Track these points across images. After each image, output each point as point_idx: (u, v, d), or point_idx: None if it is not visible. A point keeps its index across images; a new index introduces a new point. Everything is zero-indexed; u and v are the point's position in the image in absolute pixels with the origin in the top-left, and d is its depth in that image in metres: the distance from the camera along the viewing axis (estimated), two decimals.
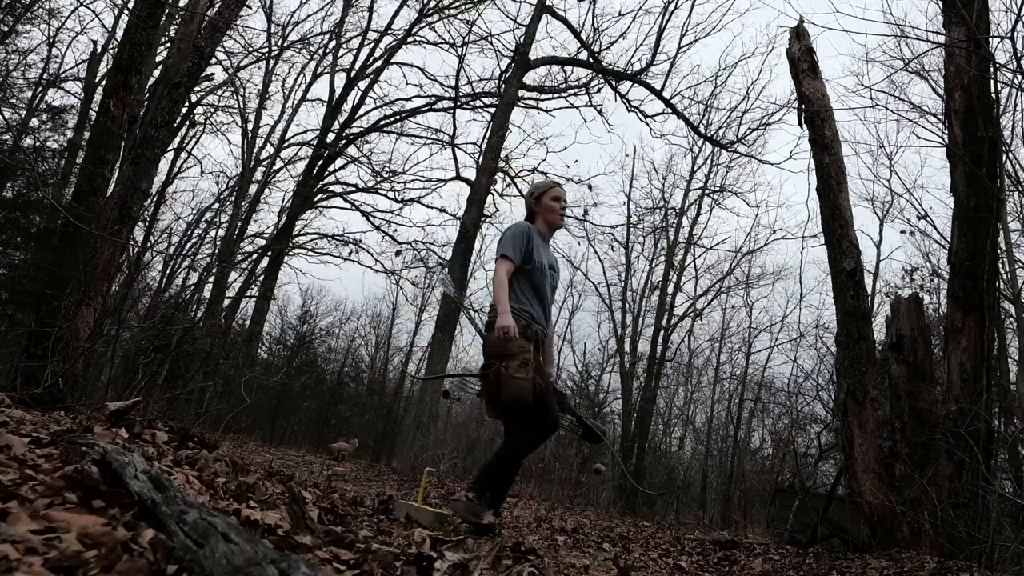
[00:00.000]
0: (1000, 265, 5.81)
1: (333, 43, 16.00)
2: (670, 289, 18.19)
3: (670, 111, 12.36)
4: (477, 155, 13.48)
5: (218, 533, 1.02)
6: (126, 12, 9.34)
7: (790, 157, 15.43)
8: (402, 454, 10.87)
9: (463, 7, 14.01)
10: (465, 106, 14.53)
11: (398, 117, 15.40)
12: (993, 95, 5.45)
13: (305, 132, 17.01)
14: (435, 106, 15.00)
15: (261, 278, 15.30)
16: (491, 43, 13.34)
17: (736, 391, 18.81)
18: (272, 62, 15.88)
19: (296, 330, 21.31)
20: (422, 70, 14.95)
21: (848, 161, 5.90)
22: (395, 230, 15.86)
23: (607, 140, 41.89)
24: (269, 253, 15.26)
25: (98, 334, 5.13)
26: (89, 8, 18.33)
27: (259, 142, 16.75)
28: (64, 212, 6.06)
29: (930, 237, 13.06)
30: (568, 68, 12.99)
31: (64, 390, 4.30)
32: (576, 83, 13.07)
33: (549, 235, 3.44)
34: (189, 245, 15.51)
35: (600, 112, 13.20)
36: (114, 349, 5.29)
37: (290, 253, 16.30)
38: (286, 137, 16.69)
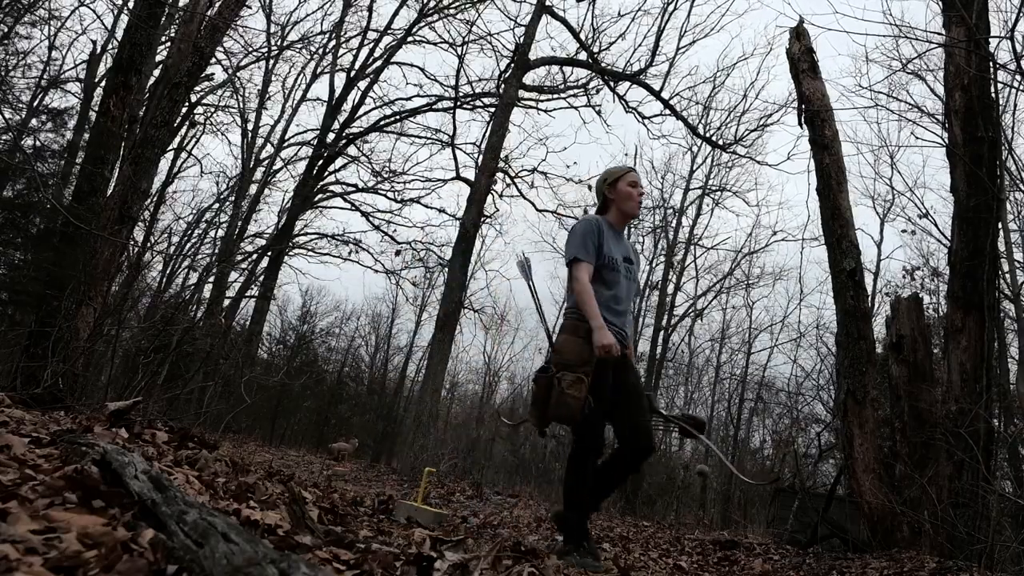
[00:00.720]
0: (1000, 265, 5.81)
1: (333, 43, 16.02)
2: (670, 289, 18.21)
3: (669, 112, 12.36)
4: (477, 155, 13.50)
5: (218, 533, 1.02)
6: (126, 12, 9.35)
7: (788, 158, 15.47)
8: (402, 454, 10.87)
9: (463, 7, 14.02)
10: (465, 106, 14.55)
11: (398, 117, 15.41)
12: (993, 95, 5.45)
13: (305, 132, 17.04)
14: (435, 106, 15.02)
15: (261, 278, 15.30)
16: (491, 43, 13.36)
17: (736, 391, 18.83)
18: (272, 62, 15.90)
19: (296, 330, 21.32)
20: (422, 70, 14.98)
21: (849, 159, 5.91)
22: (395, 230, 15.90)
23: (607, 140, 41.95)
24: (269, 253, 15.26)
25: (98, 334, 5.13)
26: (90, 8, 18.35)
27: (259, 142, 16.78)
28: (64, 212, 6.07)
29: (931, 236, 13.08)
30: (568, 68, 13.01)
31: (64, 390, 4.30)
32: (575, 83, 13.08)
33: (623, 225, 3.13)
34: (189, 245, 15.52)
35: (599, 113, 13.23)
36: (114, 349, 5.29)
37: (290, 253, 16.31)
38: (286, 137, 16.71)
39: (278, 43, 15.44)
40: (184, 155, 15.14)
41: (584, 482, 2.88)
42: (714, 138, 13.65)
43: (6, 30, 10.84)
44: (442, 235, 28.12)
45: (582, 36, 12.27)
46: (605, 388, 2.77)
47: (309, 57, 16.35)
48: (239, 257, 15.10)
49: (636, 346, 3.17)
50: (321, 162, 15.58)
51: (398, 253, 15.79)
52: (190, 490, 1.83)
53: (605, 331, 2.70)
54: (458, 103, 14.40)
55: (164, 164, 13.34)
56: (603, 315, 2.79)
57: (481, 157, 12.02)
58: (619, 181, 3.06)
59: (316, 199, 16.25)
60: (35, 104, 12.35)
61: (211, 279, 14.32)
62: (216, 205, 15.87)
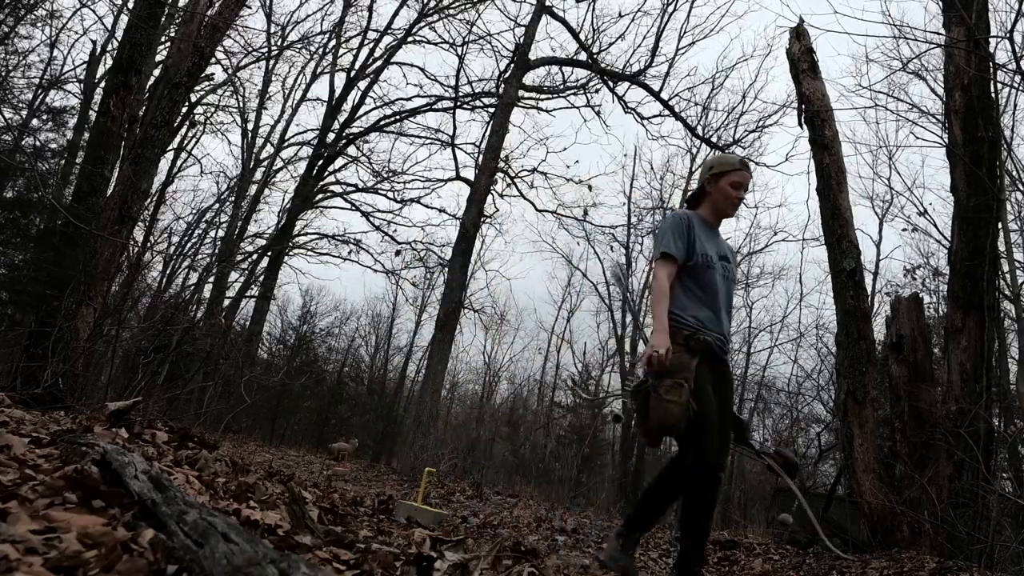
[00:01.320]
0: (1000, 265, 5.81)
1: (333, 43, 16.01)
2: None
3: (668, 112, 12.37)
4: (477, 155, 13.50)
5: (218, 533, 1.02)
6: (126, 12, 9.35)
7: (786, 159, 15.50)
8: (402, 454, 10.87)
9: (463, 7, 14.02)
10: (465, 106, 14.55)
11: (398, 117, 15.42)
12: (993, 95, 5.45)
13: (305, 132, 17.04)
14: (435, 106, 15.02)
15: (261, 278, 15.30)
16: (491, 43, 13.36)
17: (736, 391, 18.83)
18: (272, 62, 15.89)
19: (296, 330, 21.31)
20: (422, 70, 15.00)
21: (848, 160, 5.91)
22: (395, 230, 15.91)
23: (607, 140, 41.96)
24: (269, 253, 15.26)
25: (98, 334, 5.13)
26: (90, 8, 18.35)
27: (259, 142, 16.77)
28: (64, 212, 6.07)
29: (931, 236, 13.08)
30: (567, 69, 13.01)
31: (64, 390, 4.31)
32: (575, 83, 13.09)
33: (717, 222, 2.83)
34: (189, 245, 15.51)
35: (598, 114, 13.25)
36: (114, 349, 5.29)
37: (290, 253, 16.31)
38: (286, 137, 16.70)
39: (278, 43, 15.44)
40: (184, 155, 15.15)
41: (670, 497, 2.62)
42: (713, 139, 13.65)
43: (7, 30, 10.85)
44: (442, 235, 28.16)
45: (582, 36, 12.28)
46: (709, 391, 2.49)
47: (309, 57, 16.37)
48: (239, 257, 15.10)
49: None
50: (321, 162, 15.58)
51: (398, 253, 15.81)
52: (190, 490, 1.83)
53: (664, 336, 2.45)
54: (458, 103, 14.40)
55: (164, 164, 13.35)
56: (694, 315, 2.56)
57: (481, 157, 12.03)
58: (723, 177, 2.73)
59: (316, 199, 16.26)
60: (36, 104, 12.35)
61: (211, 279, 14.32)
62: (216, 205, 15.87)
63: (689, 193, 2.96)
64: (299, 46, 15.60)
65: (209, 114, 15.17)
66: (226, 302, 14.53)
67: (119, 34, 9.72)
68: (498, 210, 14.43)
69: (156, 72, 9.33)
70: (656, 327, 2.48)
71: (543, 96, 13.34)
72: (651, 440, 2.57)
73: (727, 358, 2.70)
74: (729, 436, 2.63)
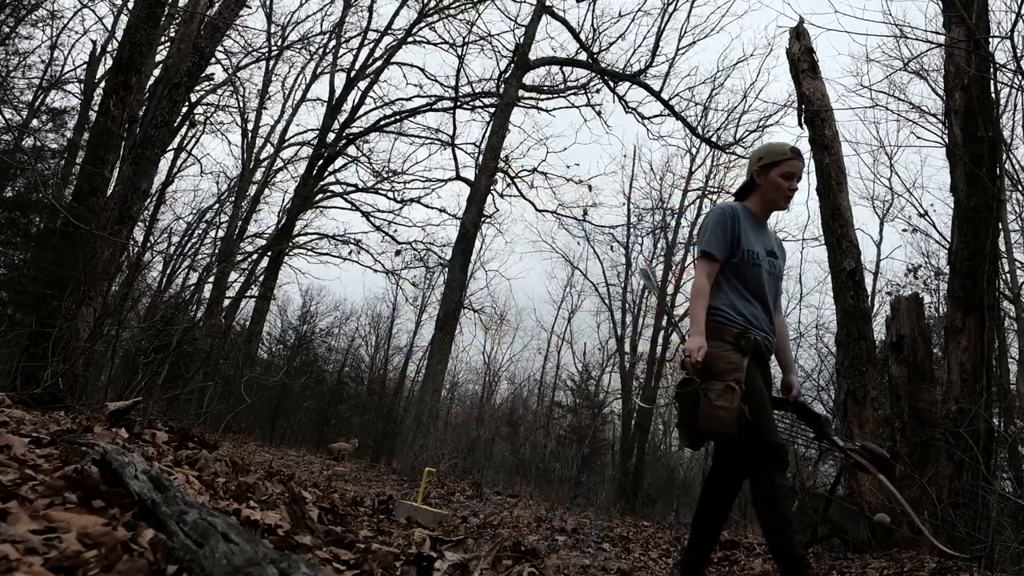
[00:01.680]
0: (1000, 265, 5.81)
1: (333, 43, 16.02)
2: (670, 289, 18.20)
3: (668, 112, 12.37)
4: (477, 155, 13.50)
5: (218, 533, 1.02)
6: (126, 12, 9.35)
7: None
8: (402, 454, 10.88)
9: (463, 7, 14.03)
10: (465, 106, 14.55)
11: (398, 117, 15.42)
12: (993, 95, 5.45)
13: (305, 132, 17.04)
14: (435, 106, 15.02)
15: (261, 278, 15.30)
16: (491, 43, 13.36)
17: None
18: (272, 62, 15.89)
19: (296, 330, 21.31)
20: (422, 70, 14.99)
21: (848, 160, 5.92)
22: (395, 230, 15.92)
23: (607, 140, 41.94)
24: (269, 253, 15.26)
25: (98, 334, 5.14)
26: (90, 9, 18.34)
27: (259, 142, 16.77)
28: (64, 212, 6.07)
29: (931, 237, 13.08)
30: (568, 68, 13.02)
31: (64, 390, 4.31)
32: (575, 83, 13.09)
33: (766, 216, 2.69)
34: (189, 245, 15.50)
35: (599, 114, 13.25)
36: (114, 349, 5.29)
37: (290, 253, 16.31)
38: (286, 137, 16.70)
39: (278, 43, 15.44)
40: (184, 155, 15.15)
41: (720, 506, 2.51)
42: (713, 139, 13.66)
43: (8, 31, 10.84)
44: (442, 235, 28.16)
45: (582, 36, 12.28)
46: (761, 385, 2.41)
47: (309, 57, 16.37)
48: (239, 257, 15.10)
49: (789, 351, 2.77)
50: (321, 162, 15.58)
51: (398, 253, 15.82)
52: (190, 490, 1.83)
53: (700, 338, 2.34)
54: (458, 103, 14.40)
55: (164, 164, 13.34)
56: (743, 312, 2.46)
57: (481, 157, 12.03)
58: (773, 168, 2.57)
59: (316, 199, 16.26)
60: (36, 104, 12.35)
61: (211, 279, 14.32)
62: (216, 205, 15.87)
63: (737, 186, 2.80)
64: (299, 46, 15.62)
65: (209, 114, 15.19)
66: (226, 302, 14.54)
67: (119, 34, 9.72)
68: (498, 210, 14.47)
69: (156, 72, 9.33)
70: (693, 329, 2.38)
71: (543, 96, 13.35)
72: (694, 444, 2.44)
73: (770, 360, 2.58)
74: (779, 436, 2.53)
